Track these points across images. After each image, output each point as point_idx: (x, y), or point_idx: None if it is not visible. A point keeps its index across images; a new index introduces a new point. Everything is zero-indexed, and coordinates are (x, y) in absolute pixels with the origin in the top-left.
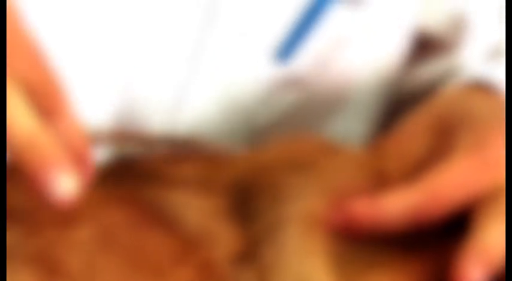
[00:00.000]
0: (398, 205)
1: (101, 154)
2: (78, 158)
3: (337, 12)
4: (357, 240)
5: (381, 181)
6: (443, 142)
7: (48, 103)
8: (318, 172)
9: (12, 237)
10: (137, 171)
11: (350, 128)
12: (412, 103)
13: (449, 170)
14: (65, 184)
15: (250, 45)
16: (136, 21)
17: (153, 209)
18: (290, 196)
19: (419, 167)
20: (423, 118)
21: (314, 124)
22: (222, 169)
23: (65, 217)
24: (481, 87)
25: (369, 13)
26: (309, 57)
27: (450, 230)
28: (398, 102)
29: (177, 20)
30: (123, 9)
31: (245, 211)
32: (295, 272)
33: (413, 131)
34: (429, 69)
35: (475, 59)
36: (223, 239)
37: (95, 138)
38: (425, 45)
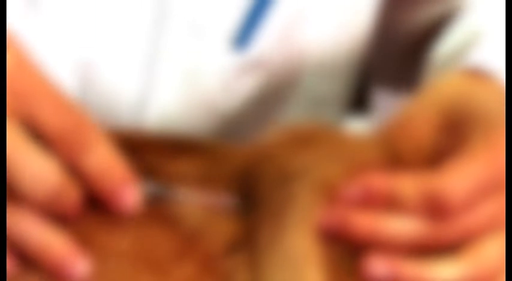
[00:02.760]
0: (415, 185)
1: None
2: (114, 184)
3: None
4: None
5: (396, 162)
6: (454, 138)
7: (80, 141)
8: (330, 148)
9: None
10: (137, 167)
11: (326, 91)
12: (411, 44)
13: (464, 161)
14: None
15: (206, 35)
16: (92, 20)
17: (154, 205)
18: (300, 171)
19: (432, 159)
20: (430, 114)
21: (280, 103)
22: (221, 163)
23: None
24: (478, 74)
25: None
26: (268, 39)
27: None
28: (391, 49)
29: (130, 16)
30: (78, 7)
31: (248, 200)
32: (287, 250)
33: (423, 126)
34: (427, 12)
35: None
36: (220, 231)
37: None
38: None
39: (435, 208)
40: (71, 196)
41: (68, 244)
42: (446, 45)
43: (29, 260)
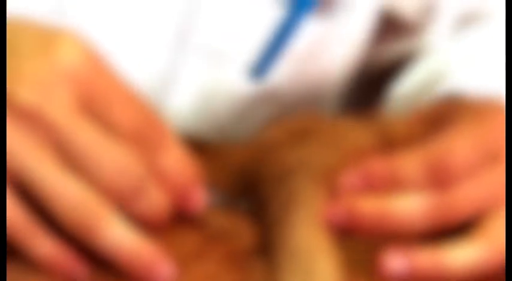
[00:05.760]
0: (414, 158)
1: None
2: (187, 186)
3: (308, 25)
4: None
5: (388, 144)
6: (443, 122)
7: (153, 141)
8: (325, 138)
9: None
10: None
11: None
12: (377, 79)
13: (457, 131)
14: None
15: (224, 62)
16: (112, 38)
17: None
18: (299, 164)
19: (424, 137)
20: (417, 114)
21: None
22: (220, 163)
23: None
24: (457, 98)
25: (339, 21)
26: (283, 72)
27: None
28: (366, 79)
29: (150, 38)
30: (100, 25)
31: (252, 200)
32: (297, 246)
33: (411, 118)
34: (394, 48)
35: (441, 35)
36: (245, 233)
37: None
38: (394, 27)
39: (439, 173)
40: (155, 198)
41: (154, 248)
42: (407, 84)
43: (102, 263)
